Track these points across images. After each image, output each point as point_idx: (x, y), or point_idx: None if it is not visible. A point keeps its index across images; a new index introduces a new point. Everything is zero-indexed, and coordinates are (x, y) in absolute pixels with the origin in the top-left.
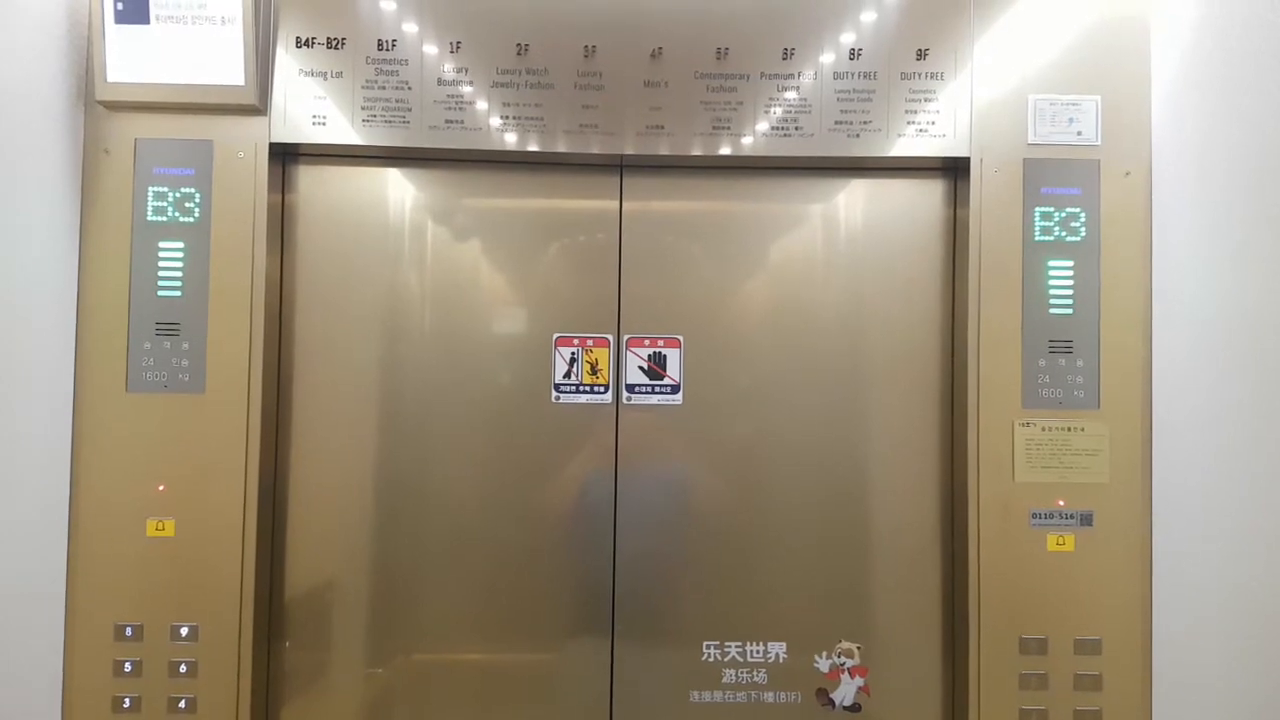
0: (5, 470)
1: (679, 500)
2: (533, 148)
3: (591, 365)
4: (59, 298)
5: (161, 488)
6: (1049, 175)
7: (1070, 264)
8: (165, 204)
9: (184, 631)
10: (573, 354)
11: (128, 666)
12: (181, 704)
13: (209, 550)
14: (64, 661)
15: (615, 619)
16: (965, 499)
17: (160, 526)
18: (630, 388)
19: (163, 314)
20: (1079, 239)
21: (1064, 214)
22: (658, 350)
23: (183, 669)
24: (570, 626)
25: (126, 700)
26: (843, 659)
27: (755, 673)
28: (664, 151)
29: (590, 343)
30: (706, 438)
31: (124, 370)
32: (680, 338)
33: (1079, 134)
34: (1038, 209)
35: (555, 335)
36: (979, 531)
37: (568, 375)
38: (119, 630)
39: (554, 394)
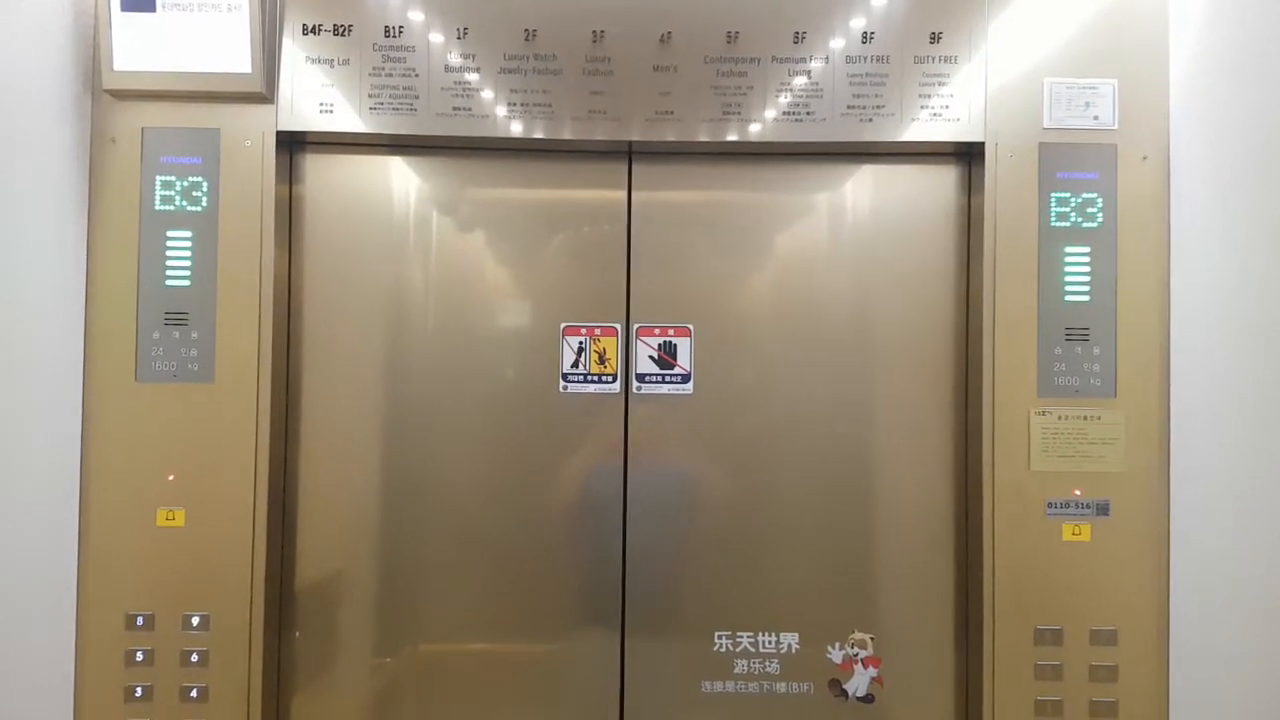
0: (15, 461)
1: (689, 490)
2: (540, 135)
3: (599, 354)
4: (67, 288)
5: (171, 477)
6: (1065, 160)
7: (1087, 250)
8: (173, 193)
9: (195, 621)
10: (580, 343)
11: (139, 656)
12: (193, 693)
13: (219, 539)
14: (75, 651)
15: (626, 609)
16: (980, 488)
17: (170, 516)
18: (640, 377)
19: (171, 303)
20: (1096, 225)
21: (1080, 199)
22: (668, 339)
23: (194, 658)
24: (580, 616)
25: (138, 689)
26: (856, 649)
27: (767, 663)
28: (673, 137)
29: (598, 332)
30: (717, 427)
31: (133, 360)
32: (690, 326)
33: (1095, 118)
34: (1054, 194)
35: (563, 324)
36: (994, 521)
37: (576, 364)
38: (130, 620)
39: (562, 383)
